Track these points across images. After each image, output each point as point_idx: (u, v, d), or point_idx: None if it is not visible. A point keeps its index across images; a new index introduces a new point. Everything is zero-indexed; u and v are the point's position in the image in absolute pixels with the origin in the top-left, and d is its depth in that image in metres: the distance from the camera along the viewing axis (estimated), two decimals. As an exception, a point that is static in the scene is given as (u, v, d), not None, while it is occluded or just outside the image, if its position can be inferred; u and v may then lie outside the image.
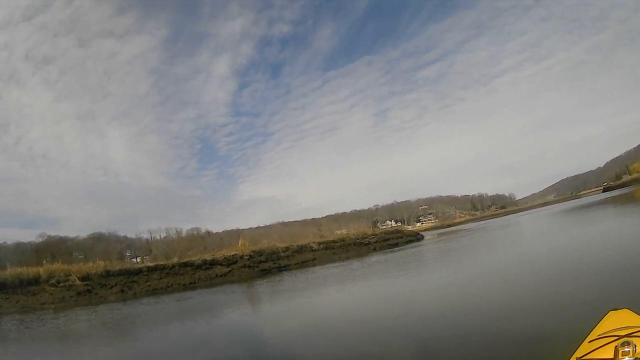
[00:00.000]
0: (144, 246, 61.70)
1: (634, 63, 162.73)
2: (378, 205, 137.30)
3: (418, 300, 10.61)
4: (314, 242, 43.65)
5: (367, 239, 46.31)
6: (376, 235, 49.21)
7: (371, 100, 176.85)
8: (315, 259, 38.94)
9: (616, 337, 2.60)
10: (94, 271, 29.87)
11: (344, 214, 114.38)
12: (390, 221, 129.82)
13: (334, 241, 45.07)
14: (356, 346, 7.56)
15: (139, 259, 51.02)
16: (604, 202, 43.61)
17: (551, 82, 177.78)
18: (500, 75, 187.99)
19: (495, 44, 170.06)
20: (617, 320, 3.08)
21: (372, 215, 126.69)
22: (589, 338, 2.91)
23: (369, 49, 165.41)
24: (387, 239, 47.21)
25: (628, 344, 2.38)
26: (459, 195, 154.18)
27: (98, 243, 56.05)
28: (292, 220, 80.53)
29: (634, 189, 61.12)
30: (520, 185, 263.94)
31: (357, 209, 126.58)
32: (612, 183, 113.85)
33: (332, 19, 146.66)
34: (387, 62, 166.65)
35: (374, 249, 41.71)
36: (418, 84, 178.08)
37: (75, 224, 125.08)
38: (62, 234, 58.84)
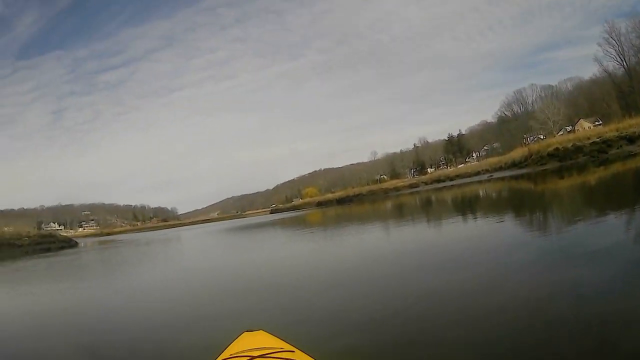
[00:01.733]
0: None
1: (324, 92, 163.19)
2: (44, 205, 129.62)
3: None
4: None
5: (21, 241, 43.34)
6: (30, 237, 46.03)
7: (52, 97, 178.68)
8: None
9: (248, 358, 2.59)
10: None
11: (11, 210, 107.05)
12: (54, 224, 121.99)
13: None
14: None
15: None
16: (271, 223, 43.28)
17: (229, 102, 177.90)
18: (179, 90, 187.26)
19: (182, 58, 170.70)
20: (252, 341, 3.07)
21: (37, 215, 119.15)
22: (219, 358, 2.83)
23: (62, 43, 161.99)
24: (41, 242, 44.41)
25: None
26: (122, 205, 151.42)
27: None
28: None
29: (306, 213, 60.71)
30: (183, 200, 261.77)
31: (25, 207, 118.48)
32: (280, 205, 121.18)
33: (39, 6, 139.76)
34: (74, 60, 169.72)
35: (27, 252, 38.22)
36: (98, 87, 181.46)
37: None
38: None
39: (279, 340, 3.05)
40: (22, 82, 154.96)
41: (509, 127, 74.82)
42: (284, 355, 2.64)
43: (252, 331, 3.24)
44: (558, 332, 3.77)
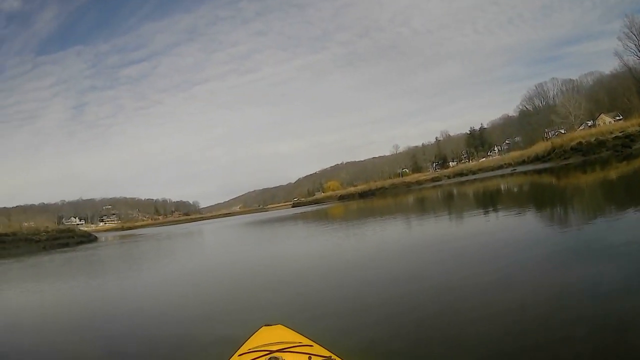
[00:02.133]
0: None
1: (345, 86, 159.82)
2: (65, 200, 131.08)
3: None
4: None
5: (38, 236, 42.30)
6: (48, 232, 44.84)
7: (73, 92, 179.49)
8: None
9: (266, 352, 2.60)
10: None
11: (32, 205, 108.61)
12: (75, 218, 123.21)
13: (6, 234, 40.47)
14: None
15: None
16: (293, 217, 42.26)
17: (251, 95, 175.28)
18: (201, 83, 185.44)
19: (204, 52, 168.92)
20: (270, 335, 3.10)
21: (58, 210, 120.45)
22: (239, 352, 2.86)
23: (83, 38, 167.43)
24: (59, 238, 43.38)
25: (276, 359, 2.42)
26: (143, 199, 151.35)
27: None
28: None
29: (328, 206, 60.14)
30: (205, 193, 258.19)
31: (45, 202, 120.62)
32: (302, 199, 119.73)
33: (59, 1, 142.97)
34: (95, 55, 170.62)
35: (44, 248, 37.96)
36: (119, 81, 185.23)
37: None
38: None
39: (298, 334, 3.12)
40: (43, 77, 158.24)
41: (530, 120, 74.26)
42: (302, 349, 2.71)
43: (270, 325, 3.30)
44: (576, 330, 3.83)
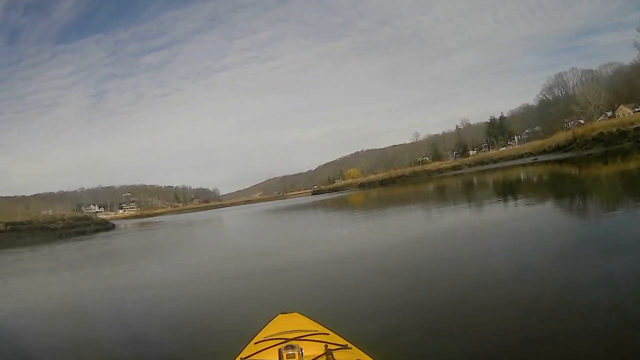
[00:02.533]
0: None
1: (363, 74, 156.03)
2: (84, 188, 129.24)
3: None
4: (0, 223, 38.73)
5: (54, 224, 42.65)
6: (64, 220, 45.21)
7: (92, 80, 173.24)
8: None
9: (283, 340, 2.58)
10: None
11: (51, 193, 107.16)
12: (94, 206, 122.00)
13: (21, 223, 40.65)
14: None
15: None
16: (312, 205, 41.96)
17: (272, 83, 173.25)
18: (221, 70, 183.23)
19: (224, 39, 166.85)
20: (286, 323, 3.07)
21: (77, 198, 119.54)
22: (255, 339, 2.84)
23: (102, 27, 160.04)
24: (76, 226, 43.47)
25: (292, 347, 2.39)
26: (163, 186, 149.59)
27: None
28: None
29: (348, 194, 59.63)
30: (225, 181, 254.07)
31: (64, 190, 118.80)
32: (322, 186, 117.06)
33: None
34: (115, 43, 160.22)
35: (60, 236, 37.08)
36: (140, 69, 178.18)
37: None
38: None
39: (314, 322, 3.10)
40: (62, 66, 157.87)
41: (550, 110, 74.28)
42: (318, 337, 2.69)
43: (286, 313, 3.28)
44: (593, 321, 3.83)
